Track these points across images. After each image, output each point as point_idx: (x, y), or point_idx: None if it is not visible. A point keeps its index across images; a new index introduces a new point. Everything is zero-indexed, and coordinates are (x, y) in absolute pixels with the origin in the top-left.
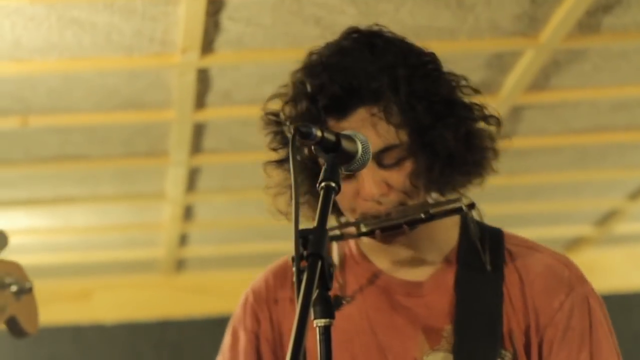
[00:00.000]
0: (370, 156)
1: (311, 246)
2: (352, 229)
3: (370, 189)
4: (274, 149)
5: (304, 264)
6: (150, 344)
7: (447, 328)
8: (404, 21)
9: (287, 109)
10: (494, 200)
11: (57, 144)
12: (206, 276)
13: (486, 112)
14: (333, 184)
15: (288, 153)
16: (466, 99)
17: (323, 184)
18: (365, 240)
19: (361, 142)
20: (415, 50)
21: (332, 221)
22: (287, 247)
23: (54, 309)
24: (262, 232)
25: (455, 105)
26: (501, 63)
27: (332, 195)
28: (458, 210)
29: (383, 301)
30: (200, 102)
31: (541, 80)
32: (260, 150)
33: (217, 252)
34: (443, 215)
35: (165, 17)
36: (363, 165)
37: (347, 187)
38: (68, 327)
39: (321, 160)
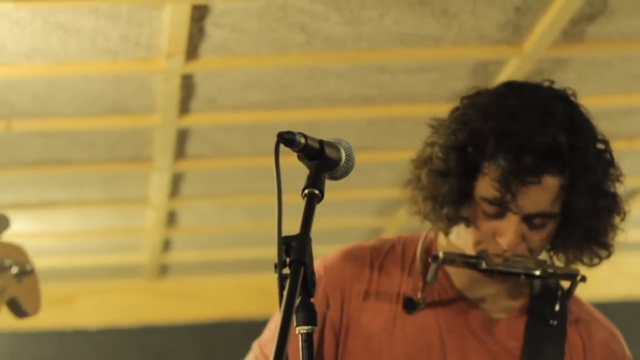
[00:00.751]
0: (354, 164)
1: (294, 253)
2: (471, 260)
3: (512, 240)
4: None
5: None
6: (134, 349)
7: None
8: (388, 28)
9: (491, 153)
10: None
11: (41, 149)
12: (189, 281)
13: (622, 206)
14: (316, 191)
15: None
16: (617, 191)
17: (306, 191)
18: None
19: (345, 150)
20: (596, 131)
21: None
22: (270, 253)
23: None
24: (245, 237)
25: (612, 197)
26: (486, 71)
27: (315, 203)
28: (571, 278)
29: (459, 325)
30: (184, 107)
31: None
32: (243, 156)
33: (200, 257)
34: (556, 278)
35: (150, 23)
36: (346, 172)
37: (488, 225)
38: (51, 332)
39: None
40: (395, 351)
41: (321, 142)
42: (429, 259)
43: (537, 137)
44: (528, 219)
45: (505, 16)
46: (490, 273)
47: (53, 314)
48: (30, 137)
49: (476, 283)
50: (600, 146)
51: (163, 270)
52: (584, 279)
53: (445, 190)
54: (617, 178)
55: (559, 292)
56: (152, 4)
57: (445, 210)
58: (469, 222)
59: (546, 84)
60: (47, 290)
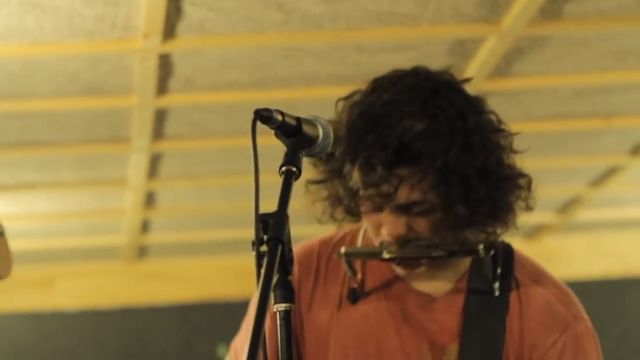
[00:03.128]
0: (332, 141)
1: (271, 231)
2: (371, 252)
3: (392, 230)
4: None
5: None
6: (113, 331)
7: (452, 347)
8: (366, 7)
9: (342, 147)
10: None
11: (18, 130)
12: (168, 263)
13: (519, 177)
14: (294, 169)
15: (324, 173)
16: (505, 163)
17: (284, 168)
18: None
19: (322, 127)
20: (468, 111)
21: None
22: (249, 233)
23: (15, 296)
24: (223, 218)
25: (491, 177)
26: (463, 49)
27: (293, 180)
28: (474, 253)
29: (399, 308)
30: (162, 87)
31: (503, 67)
32: (221, 136)
33: (179, 238)
34: (462, 255)
35: (127, 2)
36: (324, 149)
37: (372, 219)
38: (29, 314)
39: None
40: (341, 341)
41: (298, 119)
42: (334, 255)
43: (385, 133)
44: (404, 209)
45: None
46: (393, 261)
47: (31, 296)
48: (5, 118)
49: None
50: (479, 128)
51: (142, 251)
52: (488, 252)
53: (333, 192)
54: (503, 157)
55: (499, 257)
56: None
57: (338, 211)
58: (359, 217)
59: (423, 70)
60: (26, 272)
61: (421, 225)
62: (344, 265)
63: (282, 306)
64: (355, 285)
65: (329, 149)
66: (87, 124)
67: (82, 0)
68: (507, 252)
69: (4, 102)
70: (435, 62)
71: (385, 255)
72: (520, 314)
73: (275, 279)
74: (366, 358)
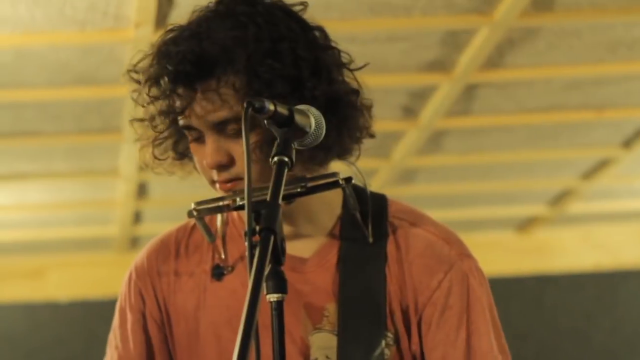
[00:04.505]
0: (323, 131)
1: (264, 220)
2: (227, 203)
3: (210, 153)
4: (137, 103)
5: (256, 238)
6: (105, 321)
7: (330, 307)
8: None
9: (147, 73)
10: (447, 179)
11: (10, 120)
12: None
13: (349, 93)
14: (286, 159)
15: (152, 112)
16: (330, 77)
17: (276, 158)
18: None
19: (314, 117)
20: (283, 23)
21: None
22: None
23: (7, 286)
24: None
25: (303, 84)
26: (456, 41)
27: (285, 170)
28: (335, 184)
29: None
30: None
31: (495, 58)
32: None
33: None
34: (320, 190)
35: None
36: (316, 140)
37: (197, 151)
38: (21, 304)
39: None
40: (211, 324)
41: (290, 109)
42: (187, 214)
43: (186, 46)
44: (219, 130)
45: None
46: (244, 209)
47: (23, 287)
48: None
49: None
50: (294, 36)
51: (133, 242)
52: (349, 179)
53: (160, 130)
54: (328, 72)
55: (370, 205)
56: None
57: (168, 152)
58: (185, 156)
59: None
60: (17, 263)
61: (239, 150)
62: (200, 229)
63: (274, 296)
64: (218, 262)
65: (320, 139)
66: (79, 114)
67: None
68: (378, 197)
69: None
70: (427, 53)
71: (238, 202)
72: (400, 259)
73: (267, 269)
74: None
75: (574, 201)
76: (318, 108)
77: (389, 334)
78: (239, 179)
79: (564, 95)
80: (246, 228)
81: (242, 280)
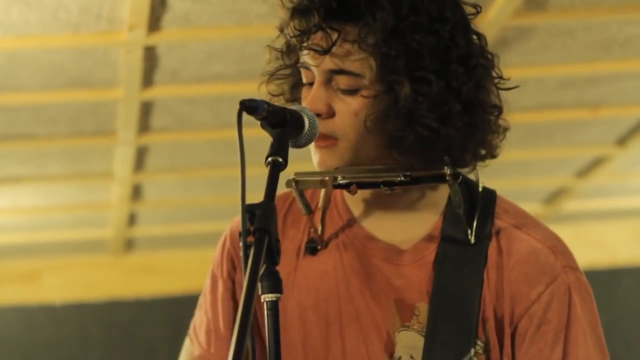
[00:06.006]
0: (317, 131)
1: (258, 221)
2: (328, 179)
3: (311, 102)
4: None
5: (251, 239)
6: (100, 324)
7: (421, 306)
8: None
9: (288, 22)
10: None
11: (3, 124)
12: (155, 256)
13: (493, 106)
14: (280, 159)
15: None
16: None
17: (270, 159)
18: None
19: (308, 117)
20: (449, 9)
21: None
22: None
23: (2, 290)
24: (210, 211)
25: (452, 72)
26: None
27: (279, 171)
28: (440, 178)
29: (363, 264)
30: (147, 80)
31: None
32: (208, 128)
33: (166, 231)
34: (423, 181)
35: None
36: (310, 140)
37: (305, 99)
38: (16, 307)
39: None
40: (297, 303)
41: (284, 109)
42: (285, 183)
43: None
44: (330, 79)
45: None
46: (346, 187)
47: (18, 290)
48: None
49: (365, 209)
50: (455, 21)
51: (128, 244)
52: (457, 176)
53: (279, 65)
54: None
55: (478, 203)
56: None
57: (284, 91)
58: (296, 100)
59: None
60: (12, 266)
61: (344, 108)
62: (297, 199)
63: (269, 297)
64: (312, 236)
65: (314, 139)
66: (73, 117)
67: None
68: (488, 195)
69: None
70: None
71: (341, 181)
72: (500, 264)
73: (262, 269)
74: (327, 322)
75: (569, 199)
76: (458, 104)
77: (479, 343)
78: (333, 137)
79: (558, 94)
80: (246, 228)
81: (334, 264)
